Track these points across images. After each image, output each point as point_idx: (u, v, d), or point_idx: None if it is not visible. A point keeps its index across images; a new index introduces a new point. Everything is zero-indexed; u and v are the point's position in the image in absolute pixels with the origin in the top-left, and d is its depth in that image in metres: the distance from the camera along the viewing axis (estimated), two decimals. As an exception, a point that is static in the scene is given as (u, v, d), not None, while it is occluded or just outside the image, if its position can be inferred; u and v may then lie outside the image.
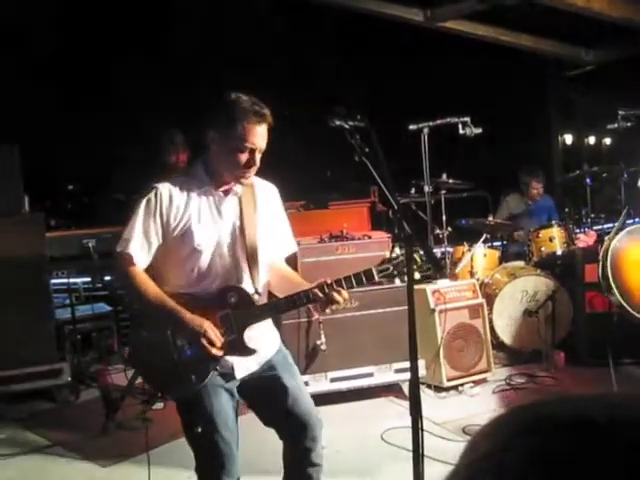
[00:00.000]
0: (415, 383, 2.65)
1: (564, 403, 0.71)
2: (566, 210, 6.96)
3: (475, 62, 8.68)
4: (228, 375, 2.94)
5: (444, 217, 6.64)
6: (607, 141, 14.66)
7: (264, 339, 3.06)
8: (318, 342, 5.24)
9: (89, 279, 6.94)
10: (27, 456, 4.89)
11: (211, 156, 2.94)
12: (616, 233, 4.66)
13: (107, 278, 6.58)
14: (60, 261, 6.42)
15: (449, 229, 6.71)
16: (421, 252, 2.81)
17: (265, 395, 3.08)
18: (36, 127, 8.02)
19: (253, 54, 7.36)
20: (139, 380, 4.93)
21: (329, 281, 2.88)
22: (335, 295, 2.86)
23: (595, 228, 7.17)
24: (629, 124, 7.12)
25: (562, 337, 6.28)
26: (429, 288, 5.70)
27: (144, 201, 2.88)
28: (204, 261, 2.91)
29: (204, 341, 2.79)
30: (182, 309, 2.82)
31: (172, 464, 4.43)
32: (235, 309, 2.89)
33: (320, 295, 2.86)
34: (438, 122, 6.34)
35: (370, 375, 5.39)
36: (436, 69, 8.57)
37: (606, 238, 4.21)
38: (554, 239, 6.69)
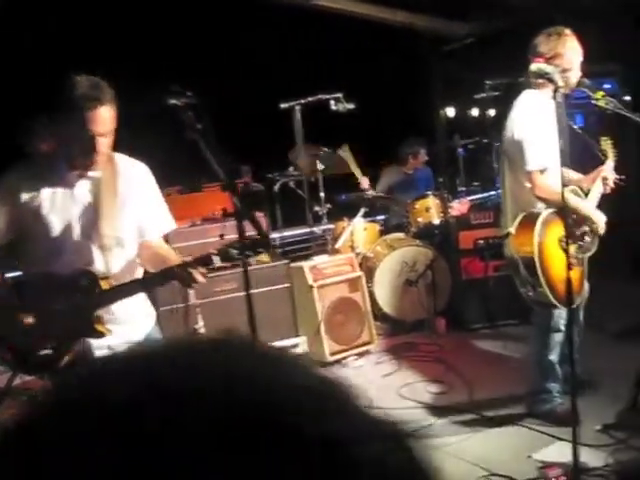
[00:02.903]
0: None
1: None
2: (440, 180, 7.09)
3: (353, 40, 8.71)
4: (89, 355, 2.93)
5: (322, 194, 6.65)
6: (492, 112, 15.01)
7: (130, 322, 3.05)
8: (196, 326, 5.19)
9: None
10: None
11: (63, 142, 2.93)
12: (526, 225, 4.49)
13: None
14: None
15: (328, 206, 6.73)
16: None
17: None
18: None
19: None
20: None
21: (189, 259, 2.89)
22: (194, 273, 2.86)
23: (472, 198, 7.34)
24: (497, 93, 7.34)
25: (443, 304, 6.43)
26: (306, 265, 5.73)
27: None
28: (56, 244, 2.91)
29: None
30: None
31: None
32: (84, 292, 2.88)
33: (178, 273, 2.85)
34: (310, 99, 6.35)
35: (252, 355, 5.37)
36: (316, 48, 8.55)
37: (510, 230, 4.12)
38: (430, 209, 6.83)
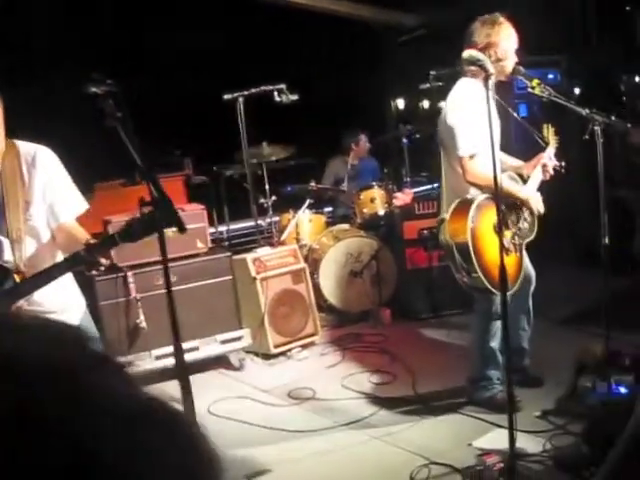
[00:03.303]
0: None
1: None
2: (385, 171, 7.09)
3: (302, 32, 8.65)
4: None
5: (267, 186, 6.60)
6: (442, 104, 15.09)
7: (58, 313, 3.00)
8: (137, 321, 5.11)
9: None
10: None
11: None
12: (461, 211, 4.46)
13: None
14: None
15: (274, 198, 6.68)
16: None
17: None
18: None
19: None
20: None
21: (92, 241, 2.85)
22: (96, 255, 2.80)
23: (417, 190, 7.34)
24: (440, 83, 7.35)
25: (389, 295, 6.43)
26: (249, 257, 5.68)
27: None
28: None
29: None
30: None
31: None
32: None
33: (84, 257, 2.79)
34: (253, 91, 6.27)
35: (196, 349, 5.30)
36: (264, 39, 8.46)
37: (445, 216, 4.10)
38: (375, 200, 6.82)
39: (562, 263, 6.61)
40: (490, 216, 3.81)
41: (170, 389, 5.09)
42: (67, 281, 3.15)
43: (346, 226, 6.94)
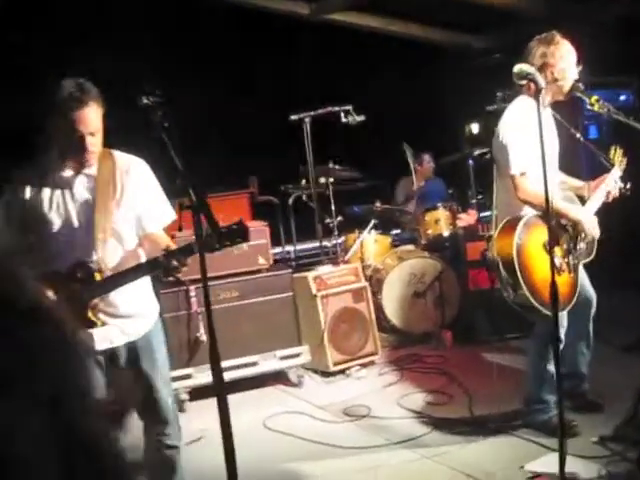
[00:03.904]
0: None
1: None
2: (450, 192, 7.06)
3: (368, 53, 8.71)
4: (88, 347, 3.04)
5: (332, 206, 6.64)
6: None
7: (131, 317, 3.19)
8: (198, 334, 5.21)
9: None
10: None
11: (56, 143, 3.06)
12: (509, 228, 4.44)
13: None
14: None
15: (339, 218, 6.72)
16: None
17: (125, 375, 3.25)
18: None
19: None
20: None
21: (172, 249, 3.01)
22: (173, 261, 2.95)
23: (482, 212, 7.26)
24: (507, 105, 7.27)
25: (451, 316, 6.38)
26: (310, 274, 5.73)
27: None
28: (58, 242, 3.05)
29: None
30: None
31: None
32: (80, 283, 3.00)
33: (162, 262, 2.95)
34: (320, 111, 6.34)
35: (255, 364, 5.38)
36: (332, 62, 8.54)
37: (494, 234, 4.11)
38: (439, 221, 6.80)
39: (627, 287, 6.45)
40: (540, 234, 3.76)
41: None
42: (145, 288, 3.33)
43: (411, 247, 6.93)
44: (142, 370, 3.24)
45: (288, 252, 8.15)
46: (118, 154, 3.19)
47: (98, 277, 3.04)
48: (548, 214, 3.23)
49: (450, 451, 4.16)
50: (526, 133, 3.86)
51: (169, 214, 3.35)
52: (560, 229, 3.93)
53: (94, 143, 3.01)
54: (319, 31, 8.26)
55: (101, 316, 3.05)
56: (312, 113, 6.31)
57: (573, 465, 3.58)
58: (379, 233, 7.05)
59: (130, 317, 3.18)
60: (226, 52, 7.76)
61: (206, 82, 7.36)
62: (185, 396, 5.16)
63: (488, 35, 9.17)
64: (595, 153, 4.48)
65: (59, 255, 3.04)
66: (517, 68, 3.40)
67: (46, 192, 3.06)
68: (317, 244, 6.89)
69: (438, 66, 9.00)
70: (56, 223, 3.04)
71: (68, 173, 3.09)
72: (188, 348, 5.25)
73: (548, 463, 3.82)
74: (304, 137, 6.30)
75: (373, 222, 6.83)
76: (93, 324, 3.03)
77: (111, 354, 3.18)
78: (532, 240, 3.80)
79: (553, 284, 3.24)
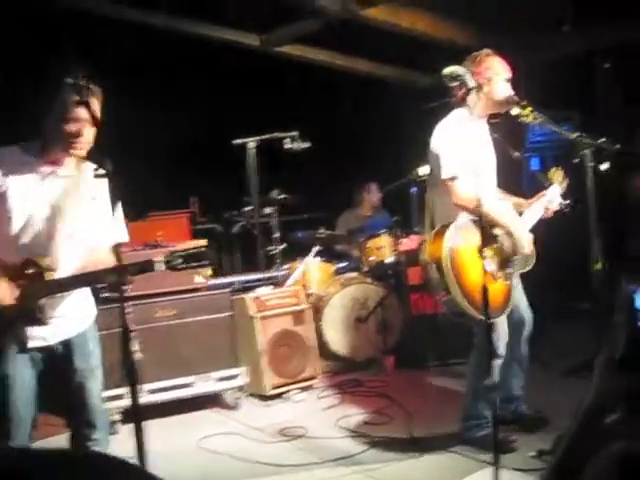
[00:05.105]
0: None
1: None
2: (394, 219, 7.05)
3: (319, 84, 8.74)
4: (23, 343, 3.06)
5: (277, 234, 6.57)
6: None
7: (67, 317, 3.16)
8: (133, 350, 5.05)
9: None
10: None
11: (45, 130, 3.06)
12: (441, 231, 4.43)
13: None
14: None
15: (283, 245, 6.63)
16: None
17: (55, 375, 3.19)
18: None
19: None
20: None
21: (129, 263, 2.97)
22: (123, 277, 2.88)
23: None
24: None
25: (394, 342, 6.32)
26: (249, 295, 5.64)
27: None
28: (16, 233, 3.01)
29: None
30: None
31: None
32: (29, 280, 2.99)
33: (112, 273, 2.92)
34: (264, 137, 6.29)
35: (191, 385, 5.23)
36: (281, 91, 8.53)
37: (425, 237, 4.12)
38: (382, 248, 6.77)
39: (569, 315, 6.52)
40: (473, 238, 3.75)
41: (162, 425, 5.03)
42: (88, 293, 3.32)
43: (354, 274, 6.88)
44: (75, 368, 3.19)
45: (231, 283, 8.02)
46: (88, 164, 3.11)
47: (49, 277, 3.02)
48: (481, 217, 3.22)
49: (386, 467, 4.08)
50: (457, 140, 3.89)
51: (122, 234, 3.29)
52: (496, 237, 3.92)
53: (89, 134, 3.01)
54: (270, 60, 8.30)
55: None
56: (256, 138, 6.27)
57: (509, 479, 3.53)
58: (323, 261, 6.99)
59: (66, 317, 3.15)
60: (177, 78, 7.72)
61: (157, 106, 7.30)
62: (117, 417, 4.97)
63: (431, 72, 9.29)
64: (534, 173, 4.53)
65: (11, 245, 3.01)
66: (448, 70, 3.43)
67: (15, 181, 3.01)
68: (262, 275, 6.81)
69: (386, 101, 9.06)
70: (17, 214, 3.00)
71: (43, 169, 3.06)
72: (121, 367, 5.08)
73: (484, 478, 3.76)
74: (248, 163, 6.25)
75: (317, 248, 6.77)
76: (41, 323, 3.02)
77: (45, 352, 3.14)
78: (464, 244, 3.77)
79: (484, 291, 3.23)
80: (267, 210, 6.67)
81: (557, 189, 4.40)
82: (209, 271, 3.18)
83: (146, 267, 3.05)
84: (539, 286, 4.55)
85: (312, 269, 6.81)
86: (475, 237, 3.70)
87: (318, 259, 6.91)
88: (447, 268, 3.68)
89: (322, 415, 5.15)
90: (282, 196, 6.69)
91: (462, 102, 3.88)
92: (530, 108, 3.92)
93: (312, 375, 5.74)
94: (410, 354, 6.19)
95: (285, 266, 6.85)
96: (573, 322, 6.33)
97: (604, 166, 3.89)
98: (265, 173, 6.28)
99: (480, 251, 3.54)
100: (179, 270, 3.06)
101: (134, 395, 2.75)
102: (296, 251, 7.05)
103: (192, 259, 3.05)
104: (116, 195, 2.66)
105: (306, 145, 6.32)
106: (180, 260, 3.06)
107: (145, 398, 5.08)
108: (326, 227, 7.44)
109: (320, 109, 8.30)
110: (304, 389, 5.67)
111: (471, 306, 3.69)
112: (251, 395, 5.57)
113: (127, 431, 4.88)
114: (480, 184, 3.40)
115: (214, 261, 3.15)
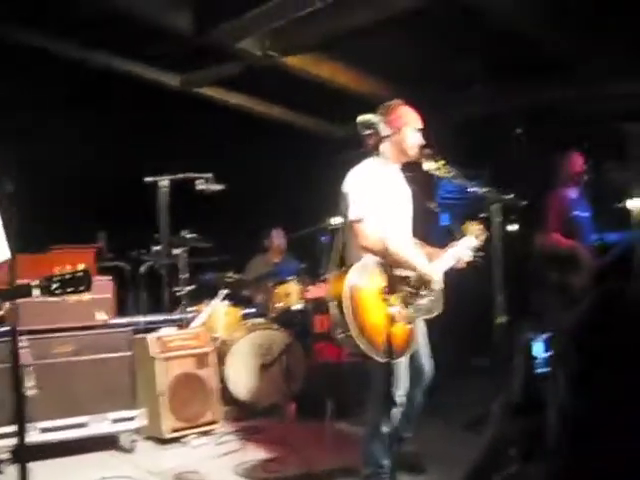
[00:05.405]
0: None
1: None
2: (301, 266, 7.07)
3: (237, 128, 8.72)
4: None
5: (185, 275, 6.46)
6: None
7: None
8: (26, 386, 4.85)
9: None
10: None
11: None
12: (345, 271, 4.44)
13: None
14: None
15: (191, 287, 6.52)
16: None
17: None
18: None
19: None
20: None
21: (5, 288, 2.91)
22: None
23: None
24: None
25: (298, 389, 6.26)
26: (150, 336, 5.52)
27: None
28: None
29: None
30: None
31: None
32: None
33: None
34: (177, 176, 6.23)
35: (84, 425, 5.04)
36: (199, 132, 8.46)
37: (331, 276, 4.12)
38: (290, 294, 6.76)
39: (469, 372, 6.63)
40: (377, 280, 3.77)
41: (53, 466, 4.82)
42: None
43: (260, 320, 6.82)
44: None
45: (136, 323, 7.84)
46: None
47: None
48: (386, 259, 3.24)
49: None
50: (366, 183, 3.95)
51: (3, 251, 3.18)
52: (401, 280, 3.94)
53: None
54: (190, 100, 8.28)
55: None
56: (169, 177, 6.21)
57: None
58: (230, 305, 6.91)
59: None
60: (94, 110, 7.58)
61: (74, 139, 7.15)
62: (5, 456, 4.74)
63: (348, 124, 9.44)
64: (447, 227, 4.61)
65: None
66: (362, 118, 3.48)
67: None
68: (167, 316, 6.68)
69: (302, 149, 9.10)
70: None
71: None
72: (13, 403, 4.87)
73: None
74: (160, 202, 6.17)
75: (225, 292, 6.70)
76: None
77: None
78: (367, 284, 3.79)
79: (388, 335, 3.24)
80: (176, 251, 6.57)
81: (471, 241, 4.44)
82: (87, 297, 3.11)
83: (22, 291, 2.94)
84: (442, 337, 4.62)
85: (219, 313, 6.72)
86: (379, 278, 3.73)
87: (225, 303, 6.84)
88: (347, 307, 3.68)
89: (220, 461, 5.04)
90: (192, 236, 6.61)
91: (375, 150, 3.94)
92: (442, 162, 4.01)
93: (213, 420, 5.63)
94: (312, 402, 6.13)
95: (191, 308, 6.73)
96: (474, 376, 6.45)
97: (512, 227, 4.01)
98: (177, 213, 6.22)
99: (383, 293, 3.57)
100: (56, 296, 2.99)
101: (21, 434, 2.64)
102: (203, 294, 6.95)
103: (69, 284, 2.97)
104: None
105: (219, 187, 6.29)
106: (56, 285, 2.98)
107: (37, 437, 4.88)
108: (235, 271, 7.39)
109: (236, 152, 8.27)
110: (204, 434, 5.54)
111: (370, 346, 3.70)
112: (149, 438, 5.41)
113: (14, 472, 4.69)
114: (388, 227, 3.44)
115: (88, 287, 3.06)
